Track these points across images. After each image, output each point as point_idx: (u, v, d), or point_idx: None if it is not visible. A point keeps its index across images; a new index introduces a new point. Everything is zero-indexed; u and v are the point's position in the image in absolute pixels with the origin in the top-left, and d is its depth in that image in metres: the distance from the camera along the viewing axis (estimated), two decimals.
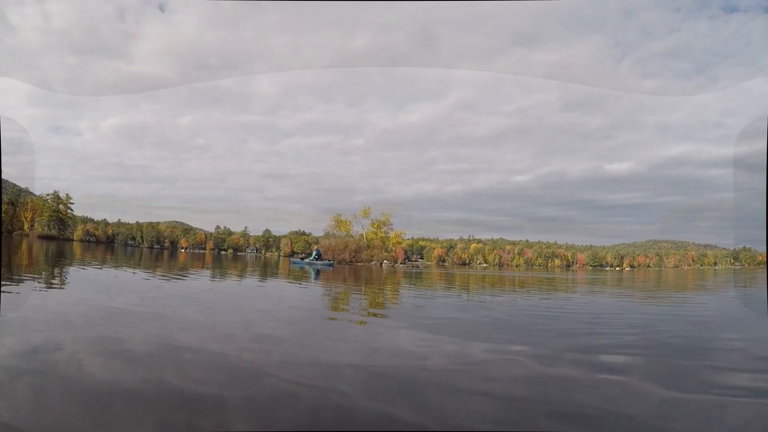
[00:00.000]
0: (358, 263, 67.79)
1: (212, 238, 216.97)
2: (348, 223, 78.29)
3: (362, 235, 77.04)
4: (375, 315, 11.06)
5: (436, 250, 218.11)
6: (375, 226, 77.51)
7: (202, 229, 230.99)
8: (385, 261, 70.74)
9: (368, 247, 73.62)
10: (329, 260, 57.13)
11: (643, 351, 7.25)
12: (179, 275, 21.46)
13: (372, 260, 69.80)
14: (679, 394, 4.97)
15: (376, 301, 14.48)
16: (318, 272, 30.66)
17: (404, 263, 78.75)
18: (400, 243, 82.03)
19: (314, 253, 50.51)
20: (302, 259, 56.10)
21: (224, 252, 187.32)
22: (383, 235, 78.29)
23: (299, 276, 25.43)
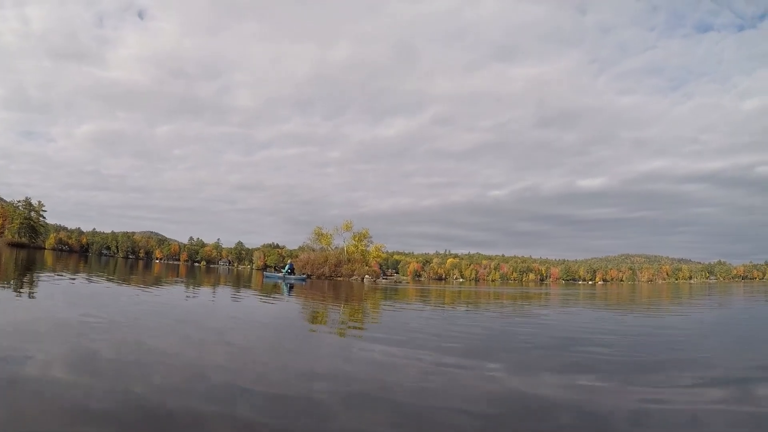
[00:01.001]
0: (338, 278, 65.57)
1: (186, 250, 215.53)
2: (329, 237, 78.02)
3: (343, 248, 76.17)
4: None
5: (411, 265, 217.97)
6: (356, 239, 76.45)
7: (176, 240, 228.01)
8: (366, 276, 68.24)
9: (349, 261, 71.50)
10: (303, 274, 55.78)
11: (619, 365, 7.30)
12: (154, 286, 20.94)
13: (353, 275, 67.51)
14: (654, 406, 5.03)
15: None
16: (291, 287, 29.89)
17: (386, 278, 77.00)
18: (380, 257, 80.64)
19: (287, 266, 47.46)
20: (277, 272, 55.20)
21: (197, 264, 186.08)
22: (363, 249, 76.87)
23: (270, 291, 25.07)
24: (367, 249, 77.59)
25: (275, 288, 27.76)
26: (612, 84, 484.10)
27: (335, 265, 68.48)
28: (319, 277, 63.37)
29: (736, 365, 7.40)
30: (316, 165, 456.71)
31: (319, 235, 77.32)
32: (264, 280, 42.78)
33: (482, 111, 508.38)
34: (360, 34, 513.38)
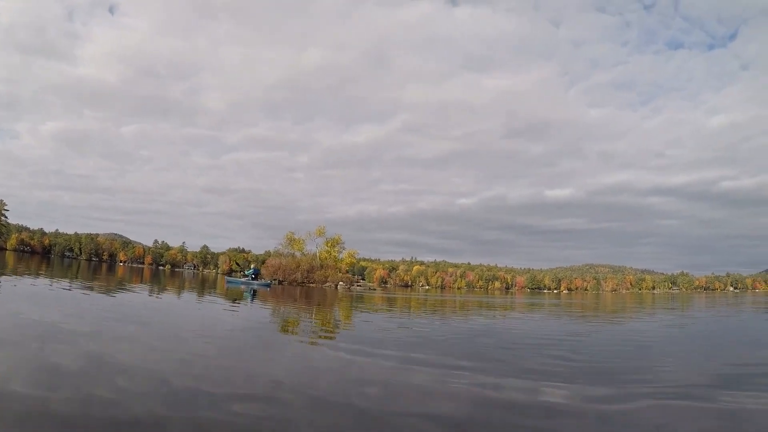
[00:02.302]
0: (311, 284, 64.17)
1: (150, 253, 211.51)
2: (301, 242, 76.78)
3: (315, 254, 75.02)
4: None
5: (377, 271, 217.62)
6: (329, 245, 75.31)
7: (140, 243, 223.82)
8: (340, 283, 67.34)
9: (322, 267, 70.24)
10: (267, 280, 54.23)
11: (582, 370, 7.42)
12: (118, 291, 20.36)
13: (326, 281, 66.26)
14: (615, 410, 5.17)
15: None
16: (255, 293, 29.23)
17: (360, 285, 75.95)
18: (354, 263, 79.55)
19: (251, 271, 46.21)
20: (239, 277, 53.74)
21: (162, 267, 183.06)
22: (336, 255, 75.70)
23: (234, 297, 24.71)
24: (340, 255, 76.48)
25: (239, 294, 27.30)
26: (582, 97, 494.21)
27: (308, 271, 67.18)
28: (291, 283, 62.20)
29: (696, 372, 7.58)
30: (285, 170, 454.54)
31: (291, 240, 75.89)
32: (226, 285, 41.11)
33: (452, 120, 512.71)
34: (333, 40, 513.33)
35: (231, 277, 57.20)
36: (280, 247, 77.31)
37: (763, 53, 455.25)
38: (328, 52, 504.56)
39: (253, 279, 43.79)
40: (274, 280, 63.71)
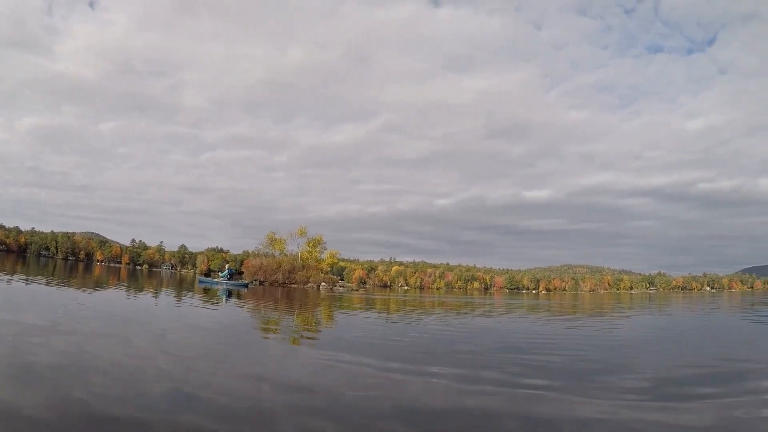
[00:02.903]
0: (292, 285, 63.28)
1: (128, 252, 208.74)
2: (283, 242, 75.48)
3: (297, 254, 73.95)
4: None
5: (356, 272, 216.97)
6: (310, 245, 74.40)
7: (117, 242, 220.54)
8: (323, 283, 66.26)
9: (303, 267, 69.17)
10: (246, 280, 53.39)
11: (561, 370, 7.51)
12: (95, 290, 20.13)
13: (308, 282, 65.36)
14: (593, 411, 5.21)
15: None
16: (229, 293, 28.71)
17: (342, 286, 74.98)
18: (335, 264, 78.49)
19: (226, 271, 45.06)
20: (215, 276, 52.43)
21: (139, 267, 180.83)
22: (317, 255, 74.83)
23: (212, 298, 24.52)
24: (321, 256, 75.61)
25: (213, 294, 27.05)
26: (563, 99, 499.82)
27: (289, 272, 66.23)
28: (272, 284, 61.67)
29: (672, 370, 7.74)
30: (264, 169, 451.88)
31: (272, 240, 74.76)
32: (199, 285, 40.22)
33: (433, 120, 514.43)
34: (315, 39, 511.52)
35: (208, 277, 55.82)
36: (261, 247, 76.19)
37: (740, 58, 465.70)
38: (310, 50, 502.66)
39: (228, 279, 42.78)
40: (255, 280, 63.41)
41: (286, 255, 72.17)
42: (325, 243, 76.72)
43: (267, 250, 74.45)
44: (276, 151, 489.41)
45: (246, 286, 43.52)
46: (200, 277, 54.65)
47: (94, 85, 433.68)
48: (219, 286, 37.55)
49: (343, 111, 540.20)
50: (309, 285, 63.56)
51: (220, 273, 47.79)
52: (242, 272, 70.83)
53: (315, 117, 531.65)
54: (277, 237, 75.14)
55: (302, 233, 75.45)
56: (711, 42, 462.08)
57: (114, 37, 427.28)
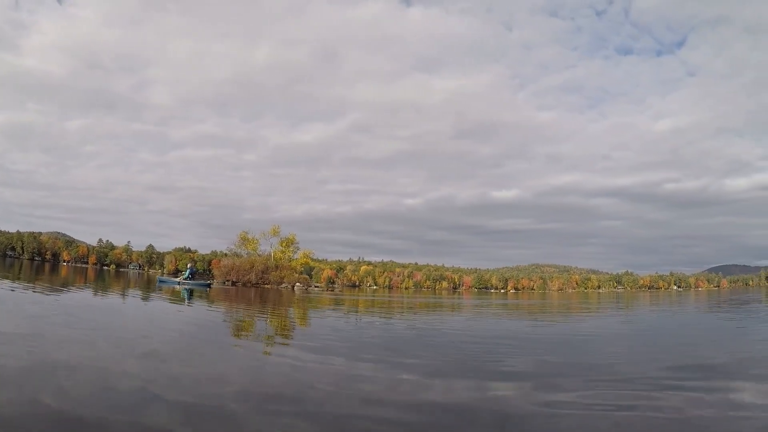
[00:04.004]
0: (266, 285, 62.21)
1: (94, 252, 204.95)
2: (255, 242, 74.13)
3: (270, 254, 72.80)
4: None
5: (325, 272, 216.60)
6: (283, 244, 73.66)
7: (84, 242, 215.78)
8: (297, 284, 65.85)
9: (277, 267, 68.22)
10: (208, 280, 52.03)
11: (531, 369, 7.63)
12: (62, 291, 19.47)
13: (282, 282, 64.65)
14: (563, 410, 5.30)
15: None
16: (191, 293, 28.19)
17: (318, 286, 73.78)
18: (308, 264, 77.38)
19: (187, 271, 43.52)
20: (175, 276, 51.10)
21: (107, 267, 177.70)
22: (290, 255, 73.99)
23: (177, 297, 24.24)
24: (295, 256, 74.52)
25: (176, 295, 26.43)
26: (531, 100, 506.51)
27: (262, 272, 65.37)
28: (245, 284, 60.64)
29: (643, 368, 7.78)
30: (232, 168, 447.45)
31: (245, 240, 73.04)
32: (158, 284, 39.62)
33: (401, 120, 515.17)
34: (283, 37, 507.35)
35: (162, 276, 54.25)
36: (233, 246, 74.75)
37: (709, 60, 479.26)
38: (279, 48, 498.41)
39: (189, 279, 41.82)
40: (227, 281, 62.70)
41: (258, 255, 70.81)
42: (298, 243, 75.82)
43: (239, 250, 73.09)
44: (244, 150, 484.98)
45: (208, 285, 42.34)
46: (160, 277, 53.17)
47: (61, 82, 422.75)
48: (180, 287, 36.64)
49: (312, 110, 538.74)
50: (283, 285, 63.16)
51: (182, 272, 46.53)
52: (204, 271, 69.67)
53: (283, 116, 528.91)
54: (249, 237, 73.88)
55: (275, 233, 74.30)
56: (680, 44, 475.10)
57: (81, 33, 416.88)
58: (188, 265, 47.66)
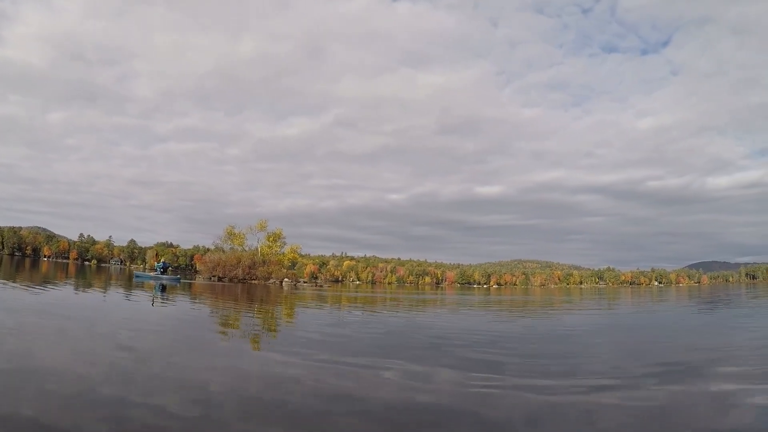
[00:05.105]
0: (253, 281, 61.22)
1: (76, 247, 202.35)
2: (242, 236, 73.07)
3: (257, 249, 71.68)
4: None
5: (308, 267, 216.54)
6: (270, 239, 72.90)
7: (65, 237, 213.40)
8: (285, 279, 64.60)
9: (264, 263, 66.98)
10: (176, 275, 50.96)
11: (513, 363, 7.68)
12: (41, 287, 19.03)
13: (270, 278, 63.56)
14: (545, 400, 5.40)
15: None
16: (164, 288, 28.19)
17: (307, 282, 72.58)
18: (296, 258, 76.61)
19: (159, 265, 43.21)
20: (154, 271, 50.88)
21: (88, 262, 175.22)
22: (277, 250, 73.47)
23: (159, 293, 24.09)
24: (282, 250, 73.45)
25: (148, 289, 26.67)
26: (516, 96, 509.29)
27: (249, 267, 64.07)
28: (231, 280, 59.65)
29: (625, 363, 7.98)
30: (215, 162, 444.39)
31: (231, 235, 71.86)
32: (134, 279, 39.88)
33: (386, 115, 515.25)
34: (269, 30, 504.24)
35: (138, 272, 53.99)
36: (219, 241, 73.44)
37: (693, 60, 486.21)
38: (263, 41, 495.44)
39: (161, 273, 41.13)
40: (213, 276, 61.84)
41: (245, 250, 69.61)
42: (284, 237, 74.87)
43: (225, 245, 71.85)
44: (227, 143, 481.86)
45: (178, 280, 42.12)
46: (136, 272, 52.92)
47: (43, 73, 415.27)
48: (154, 281, 36.72)
49: (296, 104, 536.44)
50: (271, 281, 62.19)
51: (154, 266, 45.91)
52: (187, 266, 68.59)
53: (267, 110, 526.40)
54: (236, 231, 72.75)
55: (262, 227, 73.16)
56: (665, 44, 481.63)
57: (65, 24, 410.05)
58: (161, 260, 47.57)
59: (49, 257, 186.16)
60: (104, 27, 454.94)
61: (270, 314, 16.69)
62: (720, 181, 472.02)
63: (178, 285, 35.19)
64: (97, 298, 19.08)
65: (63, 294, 19.28)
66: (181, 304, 18.72)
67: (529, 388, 5.93)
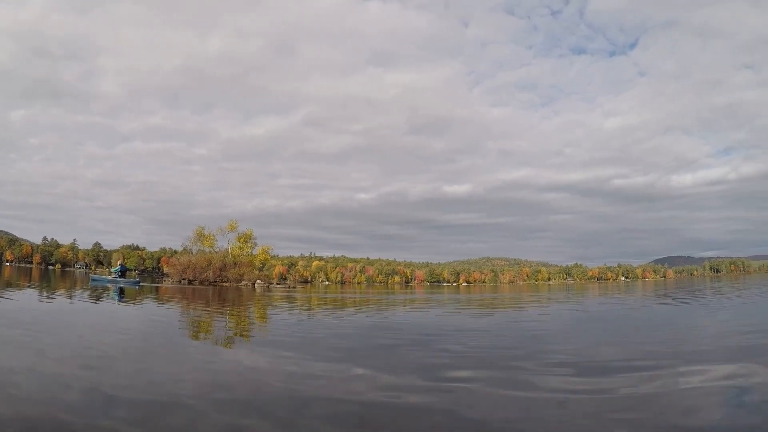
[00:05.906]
0: (224, 283, 60.08)
1: (39, 251, 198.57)
2: (212, 238, 72.10)
3: (227, 250, 70.64)
4: None
5: (276, 268, 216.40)
6: (241, 240, 72.48)
7: (28, 241, 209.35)
8: (258, 281, 63.71)
9: (235, 264, 66.08)
10: (136, 278, 51.05)
11: (487, 361, 7.81)
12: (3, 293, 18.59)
13: (241, 280, 62.38)
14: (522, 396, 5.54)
15: None
16: (122, 291, 27.58)
17: (280, 283, 71.81)
18: (267, 260, 76.06)
19: (117, 268, 42.00)
20: (130, 276, 50.08)
21: (52, 267, 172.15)
22: (249, 251, 73.36)
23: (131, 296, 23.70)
24: (253, 251, 72.68)
25: (106, 292, 26.16)
26: (485, 96, 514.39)
27: (220, 269, 63.28)
28: (202, 283, 58.69)
29: (598, 357, 8.10)
30: (182, 162, 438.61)
31: (201, 236, 71.77)
32: (90, 283, 38.44)
33: (355, 114, 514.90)
34: (237, 27, 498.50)
35: (95, 275, 53.56)
36: (188, 243, 72.38)
37: (660, 61, 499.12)
38: (232, 39, 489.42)
39: (119, 276, 40.34)
40: (183, 279, 61.04)
41: (215, 251, 69.33)
42: (255, 238, 74.12)
43: (194, 247, 70.90)
44: (195, 143, 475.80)
45: (138, 283, 41.21)
46: (93, 276, 51.48)
47: (5, 69, 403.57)
48: (111, 285, 35.53)
49: (265, 103, 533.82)
50: (243, 283, 61.37)
51: (111, 270, 45.62)
52: (154, 269, 67.71)
53: (235, 109, 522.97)
54: (206, 233, 71.90)
55: (233, 228, 71.86)
56: (633, 46, 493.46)
57: (28, 18, 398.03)
58: (118, 263, 46.22)
59: (11, 262, 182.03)
60: (70, 21, 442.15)
61: (244, 318, 16.52)
62: (684, 179, 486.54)
63: (138, 288, 34.13)
64: (47, 303, 18.45)
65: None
66: (147, 308, 18.17)
67: (505, 382, 6.10)
